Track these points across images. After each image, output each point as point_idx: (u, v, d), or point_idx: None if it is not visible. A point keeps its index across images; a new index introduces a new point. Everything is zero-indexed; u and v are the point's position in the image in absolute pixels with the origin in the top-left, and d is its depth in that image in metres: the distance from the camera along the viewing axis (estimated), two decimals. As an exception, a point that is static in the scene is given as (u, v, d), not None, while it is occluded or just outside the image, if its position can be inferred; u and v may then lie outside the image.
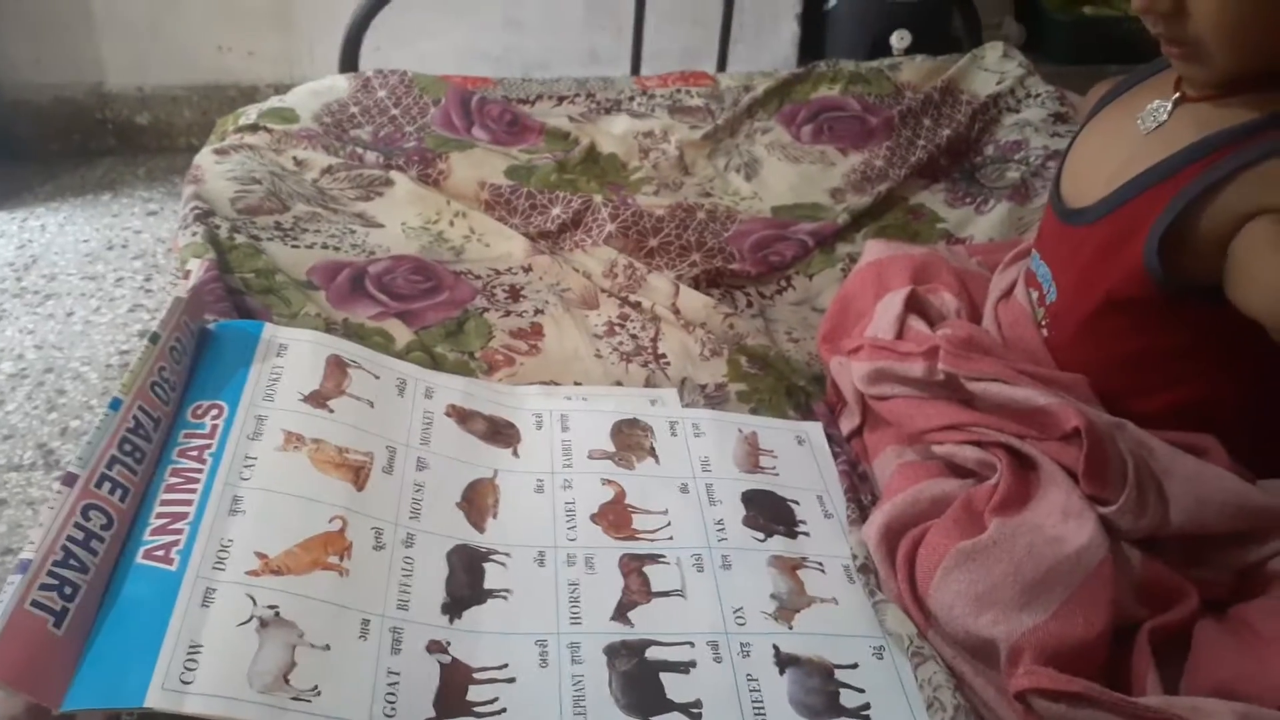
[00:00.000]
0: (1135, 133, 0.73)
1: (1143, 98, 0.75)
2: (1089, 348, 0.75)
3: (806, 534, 0.77)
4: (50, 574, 0.58)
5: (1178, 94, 0.72)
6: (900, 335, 0.81)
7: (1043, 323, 0.79)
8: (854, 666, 0.66)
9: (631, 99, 1.38)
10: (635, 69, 1.61)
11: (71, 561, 0.59)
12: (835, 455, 0.84)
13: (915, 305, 0.85)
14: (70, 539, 0.60)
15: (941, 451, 0.75)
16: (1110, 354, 0.74)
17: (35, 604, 0.56)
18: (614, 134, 1.29)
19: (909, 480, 0.74)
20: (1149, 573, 0.66)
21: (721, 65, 1.66)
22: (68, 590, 0.58)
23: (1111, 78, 0.90)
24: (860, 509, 0.78)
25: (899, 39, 2.24)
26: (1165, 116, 0.71)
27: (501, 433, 0.82)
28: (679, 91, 1.40)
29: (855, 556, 0.73)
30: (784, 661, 0.66)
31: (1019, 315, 0.81)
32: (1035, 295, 0.80)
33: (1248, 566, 0.69)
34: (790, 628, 0.69)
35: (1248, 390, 0.72)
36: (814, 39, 2.42)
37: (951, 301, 0.86)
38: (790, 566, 0.73)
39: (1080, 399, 0.72)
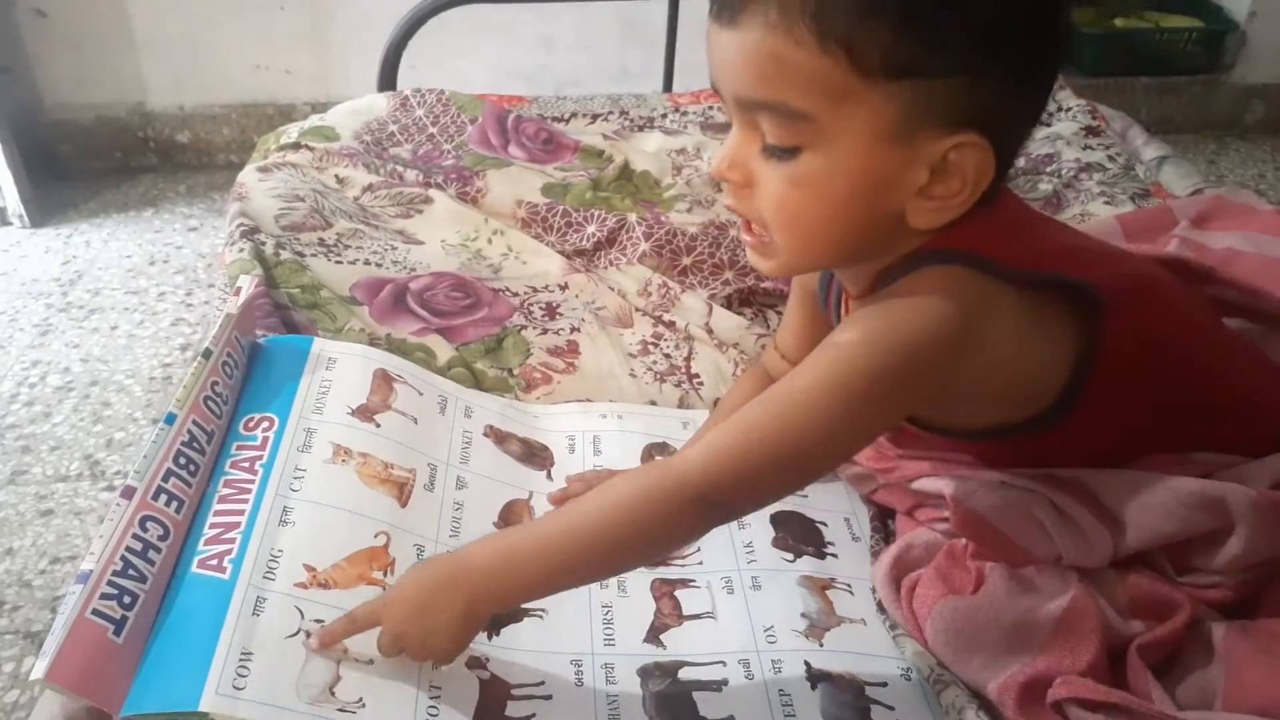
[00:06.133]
0: None
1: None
2: None
3: (835, 555, 0.77)
4: (110, 583, 0.60)
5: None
6: None
7: None
8: (884, 685, 0.67)
9: (664, 116, 1.40)
10: (667, 85, 1.63)
11: (130, 571, 0.62)
12: (863, 477, 0.85)
13: None
14: (129, 549, 0.62)
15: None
16: None
17: (96, 613, 0.59)
18: (647, 151, 1.31)
19: (910, 524, 0.76)
20: (1135, 588, 0.65)
21: (752, 83, 1.67)
22: (127, 599, 0.60)
23: None
24: (885, 535, 0.79)
25: (929, 55, 2.24)
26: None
27: (536, 455, 0.83)
28: (711, 108, 1.42)
29: (874, 590, 0.74)
30: (815, 677, 0.67)
31: None
32: None
33: (1250, 567, 0.65)
34: (821, 645, 0.70)
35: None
36: (843, 55, 2.42)
37: None
38: (820, 586, 0.74)
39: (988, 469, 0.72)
